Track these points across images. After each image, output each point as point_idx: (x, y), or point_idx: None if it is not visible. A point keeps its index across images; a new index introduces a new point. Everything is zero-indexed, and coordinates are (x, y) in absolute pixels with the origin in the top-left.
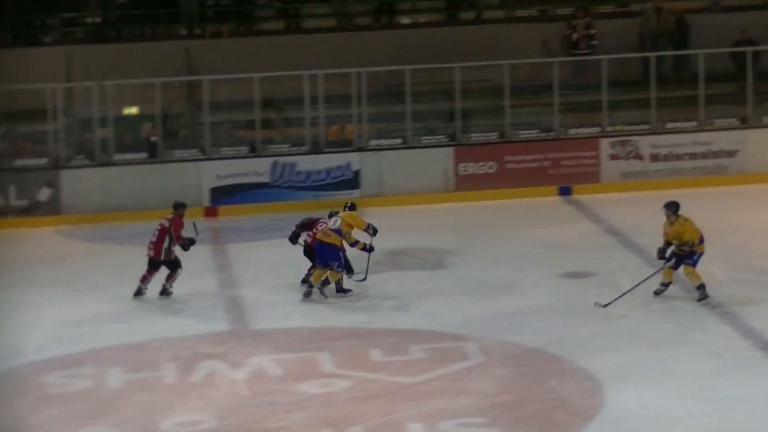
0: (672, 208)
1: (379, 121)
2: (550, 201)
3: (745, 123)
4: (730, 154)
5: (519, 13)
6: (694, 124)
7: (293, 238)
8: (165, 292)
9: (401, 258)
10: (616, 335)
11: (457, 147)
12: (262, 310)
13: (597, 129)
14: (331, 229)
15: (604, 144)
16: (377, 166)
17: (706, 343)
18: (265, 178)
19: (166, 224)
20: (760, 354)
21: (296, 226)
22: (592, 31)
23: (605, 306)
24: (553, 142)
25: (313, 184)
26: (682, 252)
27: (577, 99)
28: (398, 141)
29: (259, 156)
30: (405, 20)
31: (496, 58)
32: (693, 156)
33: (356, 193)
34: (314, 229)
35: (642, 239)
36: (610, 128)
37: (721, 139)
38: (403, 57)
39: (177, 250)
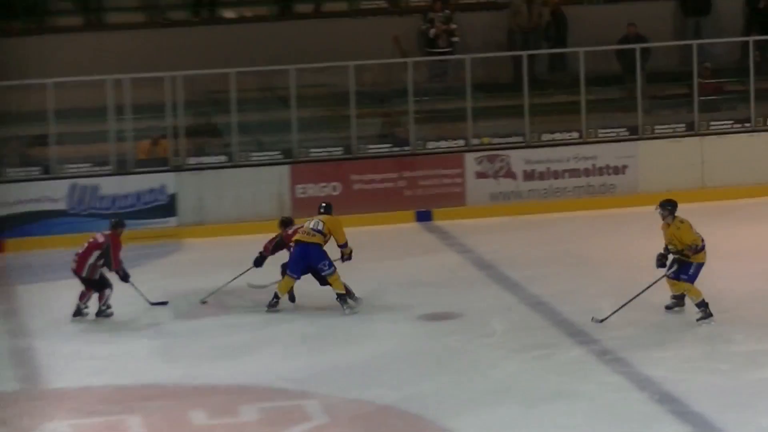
0: (668, 207)
1: (199, 134)
2: (406, 228)
3: (635, 133)
4: (618, 170)
5: (365, 4)
6: (575, 135)
7: (260, 262)
8: (102, 313)
9: (229, 299)
10: (485, 388)
11: (293, 165)
12: (59, 364)
13: (461, 142)
14: (312, 230)
15: (470, 160)
16: (197, 188)
17: (593, 396)
18: (61, 205)
19: (101, 240)
20: (658, 408)
21: (266, 247)
22: (453, 26)
23: (602, 321)
24: (409, 159)
25: (119, 210)
26: (686, 258)
27: (437, 107)
28: (222, 158)
29: (54, 178)
30: (229, 14)
31: (339, 59)
32: (574, 173)
33: (172, 221)
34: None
35: (515, 273)
36: (475, 141)
37: (607, 153)
38: (228, 58)
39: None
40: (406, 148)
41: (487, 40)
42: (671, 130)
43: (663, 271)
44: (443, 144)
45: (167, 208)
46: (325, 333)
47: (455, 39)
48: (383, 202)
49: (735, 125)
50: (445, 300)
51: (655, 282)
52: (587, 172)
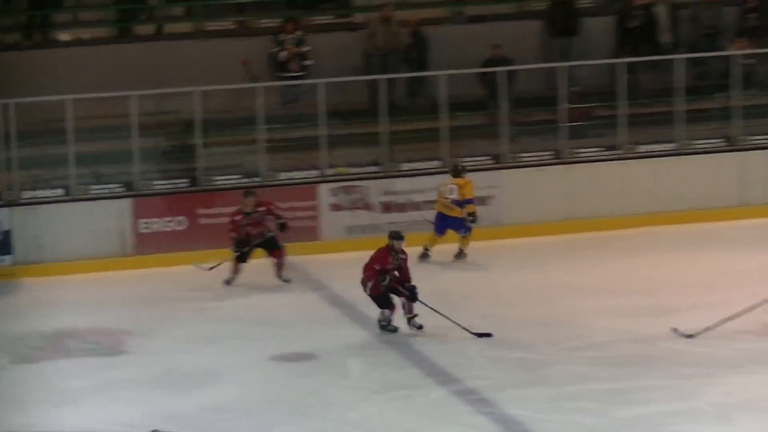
0: None
1: (34, 166)
2: (256, 264)
3: (498, 162)
4: (481, 200)
5: (211, 25)
6: (436, 164)
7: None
8: None
9: (68, 342)
10: (345, 430)
11: (135, 198)
12: None
13: (314, 173)
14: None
15: (324, 191)
16: (34, 224)
17: None
18: None
19: None
20: None
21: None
22: (305, 49)
23: (690, 336)
24: (259, 190)
25: None
26: None
27: (289, 135)
28: (59, 192)
29: None
30: (64, 36)
31: (183, 84)
32: (435, 204)
33: (7, 260)
34: None
35: (373, 310)
36: (330, 171)
37: None
38: (63, 83)
39: None
40: (256, 179)
41: (343, 63)
42: (537, 158)
43: None
44: (296, 174)
45: (1, 245)
46: (174, 375)
47: (308, 62)
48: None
49: (604, 152)
50: (299, 340)
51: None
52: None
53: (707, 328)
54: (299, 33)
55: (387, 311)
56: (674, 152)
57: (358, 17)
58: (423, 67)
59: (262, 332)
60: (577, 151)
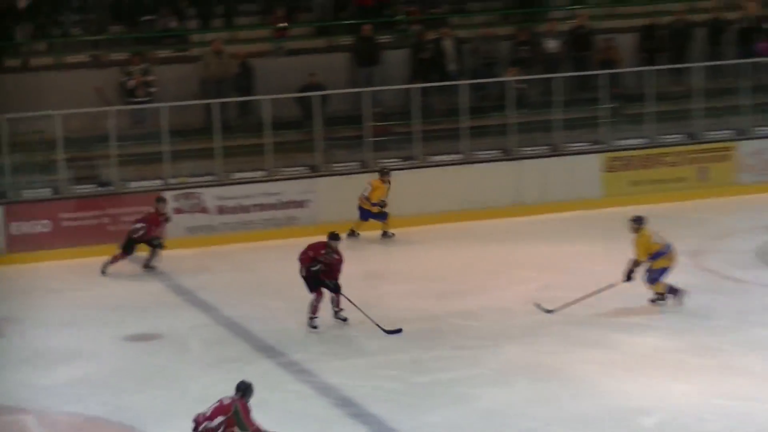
0: (633, 222)
1: None
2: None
3: (314, 171)
4: (300, 204)
5: (69, 59)
6: (262, 173)
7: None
8: None
9: None
10: (186, 399)
11: (8, 205)
12: None
13: (159, 182)
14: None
15: (168, 197)
16: None
17: (281, 403)
18: None
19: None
20: (338, 412)
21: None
22: (150, 78)
23: (550, 312)
24: (112, 197)
25: None
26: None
27: (137, 150)
28: None
29: None
30: None
31: (47, 108)
32: (262, 207)
33: None
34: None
35: (210, 296)
36: (173, 180)
37: (290, 189)
38: None
39: None
40: (110, 187)
41: (182, 89)
42: (346, 168)
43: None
44: (144, 184)
45: None
46: (41, 353)
47: (153, 89)
48: (90, 237)
49: (402, 162)
50: (148, 322)
51: (611, 286)
52: (273, 207)
53: (565, 305)
54: (145, 65)
55: (314, 295)
56: (460, 161)
57: (195, 51)
58: (250, 92)
59: (116, 316)
60: (380, 161)
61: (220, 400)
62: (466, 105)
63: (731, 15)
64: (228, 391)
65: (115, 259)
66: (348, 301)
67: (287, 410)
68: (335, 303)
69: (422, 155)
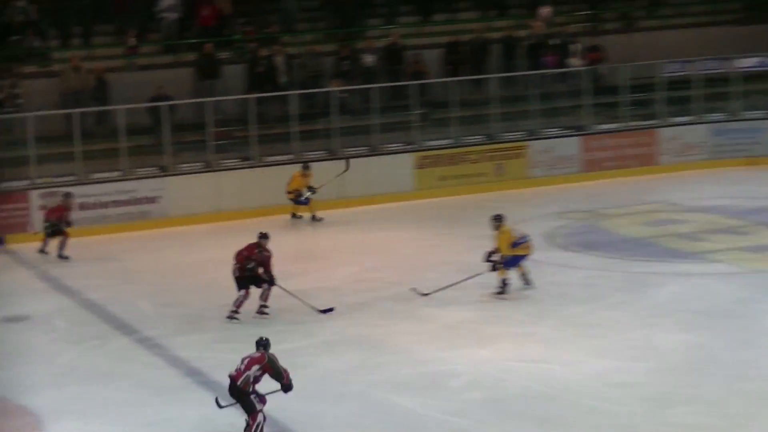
0: (495, 221)
1: None
2: None
3: (163, 171)
4: (152, 200)
5: None
6: (117, 173)
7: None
8: None
9: None
10: (53, 372)
11: None
12: None
13: (26, 182)
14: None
15: (34, 196)
16: None
17: (137, 374)
18: None
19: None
20: (188, 380)
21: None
22: (17, 91)
23: (424, 295)
24: None
25: None
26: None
27: (6, 155)
28: None
29: None
30: None
31: None
32: (118, 203)
33: None
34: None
35: (73, 282)
36: (39, 180)
37: (143, 187)
38: None
39: None
40: None
41: (46, 100)
42: (192, 168)
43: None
44: (13, 184)
45: None
46: None
47: (20, 101)
48: None
49: (241, 162)
50: (16, 307)
51: (478, 274)
52: (128, 203)
53: (439, 289)
54: (13, 79)
55: (242, 292)
56: (292, 161)
57: (56, 67)
58: (106, 102)
59: None
60: (222, 162)
61: (249, 356)
62: (296, 112)
63: (521, 33)
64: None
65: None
66: (283, 290)
67: (145, 380)
68: (263, 297)
69: (258, 156)
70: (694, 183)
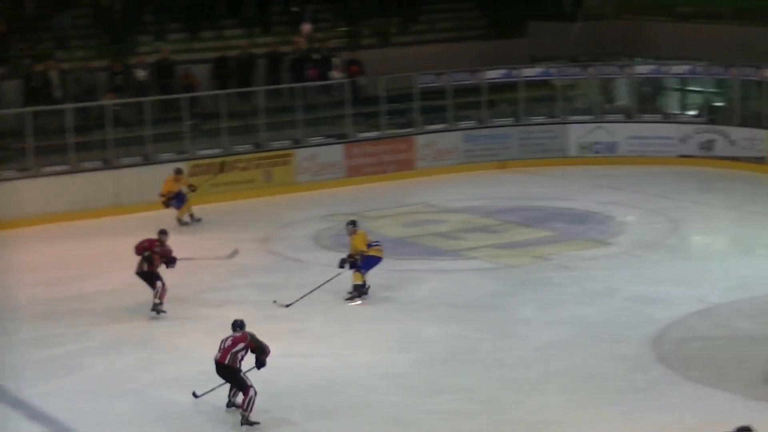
0: (351, 225)
1: None
2: None
3: None
4: None
5: None
6: None
7: None
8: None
9: None
10: None
11: None
12: None
13: None
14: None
15: None
16: None
17: None
18: None
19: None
20: None
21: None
22: None
23: (288, 306)
24: None
25: None
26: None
27: None
28: None
29: None
30: None
31: None
32: None
33: None
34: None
35: None
36: None
37: None
38: None
39: None
40: None
41: None
42: None
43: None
44: None
45: None
46: None
47: None
48: None
49: (17, 173)
50: None
51: (334, 277)
52: None
53: (299, 298)
54: None
55: (160, 283)
56: (68, 171)
57: None
58: None
59: None
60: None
61: (230, 336)
62: (71, 124)
63: (285, 48)
64: None
65: None
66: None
67: None
68: (158, 296)
69: (36, 167)
70: (449, 186)
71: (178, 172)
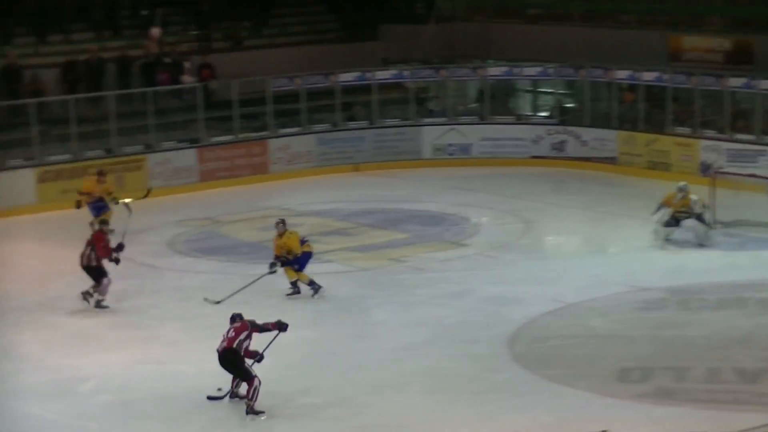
0: (282, 225)
1: None
2: None
3: None
4: None
5: None
6: None
7: None
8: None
9: None
10: None
11: None
12: None
13: None
14: None
15: None
16: None
17: None
18: None
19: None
20: None
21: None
22: None
23: (217, 302)
24: None
25: None
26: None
27: None
28: None
29: None
30: None
31: None
32: None
33: None
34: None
35: None
36: None
37: None
38: None
39: None
40: None
41: None
42: None
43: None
44: None
45: None
46: None
47: None
48: None
49: None
50: None
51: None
52: None
53: (228, 296)
54: None
55: (106, 279)
56: None
57: None
58: None
59: None
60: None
61: (231, 328)
62: None
63: (136, 53)
64: None
65: None
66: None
67: None
68: (95, 289)
69: None
70: (304, 189)
71: (101, 173)
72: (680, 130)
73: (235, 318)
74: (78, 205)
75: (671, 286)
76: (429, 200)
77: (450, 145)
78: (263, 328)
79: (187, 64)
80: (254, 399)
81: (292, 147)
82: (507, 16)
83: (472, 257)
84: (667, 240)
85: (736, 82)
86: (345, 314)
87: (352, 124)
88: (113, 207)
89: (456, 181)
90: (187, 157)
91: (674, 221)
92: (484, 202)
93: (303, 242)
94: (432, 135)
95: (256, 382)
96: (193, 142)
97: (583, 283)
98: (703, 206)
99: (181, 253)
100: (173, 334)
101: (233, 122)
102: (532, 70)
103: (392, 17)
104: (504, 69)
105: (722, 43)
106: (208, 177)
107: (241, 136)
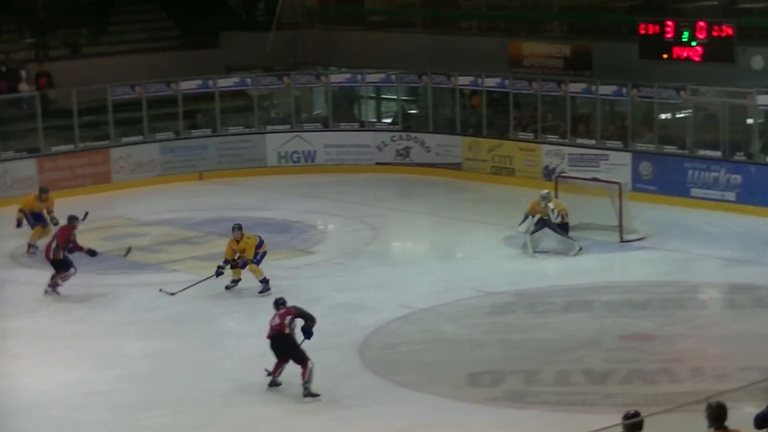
0: (238, 229)
1: None
2: None
3: None
4: None
5: None
6: None
7: None
8: None
9: None
10: None
11: None
12: None
13: None
14: None
15: None
16: None
17: None
18: None
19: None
20: None
21: None
22: None
23: (172, 294)
24: None
25: None
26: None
27: None
28: None
29: None
30: None
31: None
32: None
33: None
34: None
35: None
36: None
37: None
38: None
39: None
40: None
41: None
42: None
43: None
44: None
45: None
46: None
47: None
48: None
49: None
50: None
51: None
52: None
53: (184, 288)
54: None
55: (72, 269)
56: None
57: None
58: None
59: None
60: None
61: (276, 314)
62: None
63: None
64: None
65: None
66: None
67: None
68: (60, 275)
69: None
70: (148, 198)
71: (44, 191)
72: (523, 135)
73: (279, 303)
74: (18, 224)
75: (518, 290)
76: (275, 208)
77: (295, 152)
78: (309, 316)
79: (23, 73)
80: (310, 381)
81: (135, 156)
82: (349, 23)
83: (320, 264)
84: (536, 252)
85: (576, 87)
86: (193, 324)
87: (196, 132)
88: (52, 226)
89: (302, 188)
90: (27, 167)
91: (540, 228)
92: (331, 209)
93: (260, 245)
94: (276, 142)
95: (310, 365)
96: (33, 151)
97: (432, 289)
98: (559, 214)
99: (25, 266)
100: (18, 347)
101: (73, 131)
102: (375, 77)
103: (233, 24)
104: (347, 76)
105: (561, 49)
106: (49, 187)
107: (82, 145)
